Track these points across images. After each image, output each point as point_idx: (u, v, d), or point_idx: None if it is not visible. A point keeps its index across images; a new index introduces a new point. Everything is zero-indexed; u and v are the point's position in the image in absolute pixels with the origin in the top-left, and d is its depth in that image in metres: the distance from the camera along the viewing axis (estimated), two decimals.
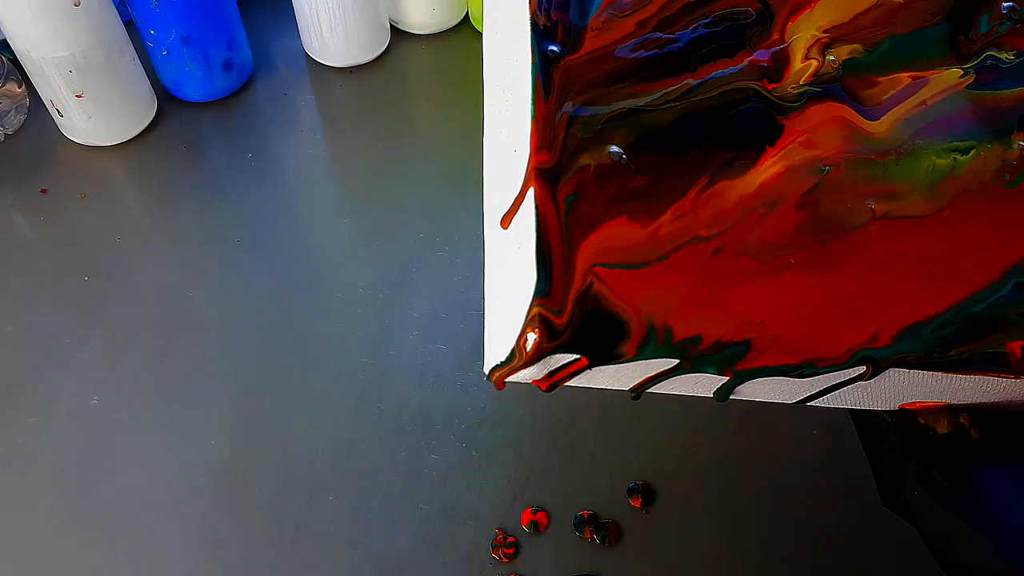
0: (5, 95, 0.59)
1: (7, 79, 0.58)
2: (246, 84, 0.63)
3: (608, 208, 0.30)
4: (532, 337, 0.28)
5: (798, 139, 0.32)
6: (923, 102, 0.32)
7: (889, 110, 0.32)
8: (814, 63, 0.33)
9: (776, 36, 0.33)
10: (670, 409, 0.47)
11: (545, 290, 0.29)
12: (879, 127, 0.32)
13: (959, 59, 0.33)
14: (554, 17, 0.31)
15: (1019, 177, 0.32)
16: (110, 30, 0.53)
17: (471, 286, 0.52)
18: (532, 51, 0.31)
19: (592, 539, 0.43)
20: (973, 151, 0.32)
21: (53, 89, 0.54)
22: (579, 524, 0.43)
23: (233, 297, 0.52)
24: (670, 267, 0.30)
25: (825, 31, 0.33)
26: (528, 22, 0.31)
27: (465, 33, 0.69)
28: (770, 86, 0.33)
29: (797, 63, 0.33)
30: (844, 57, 0.33)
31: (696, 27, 0.33)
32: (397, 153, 0.60)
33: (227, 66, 0.61)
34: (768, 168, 0.32)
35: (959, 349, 0.31)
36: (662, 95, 0.31)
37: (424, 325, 0.51)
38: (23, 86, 0.60)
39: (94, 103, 0.55)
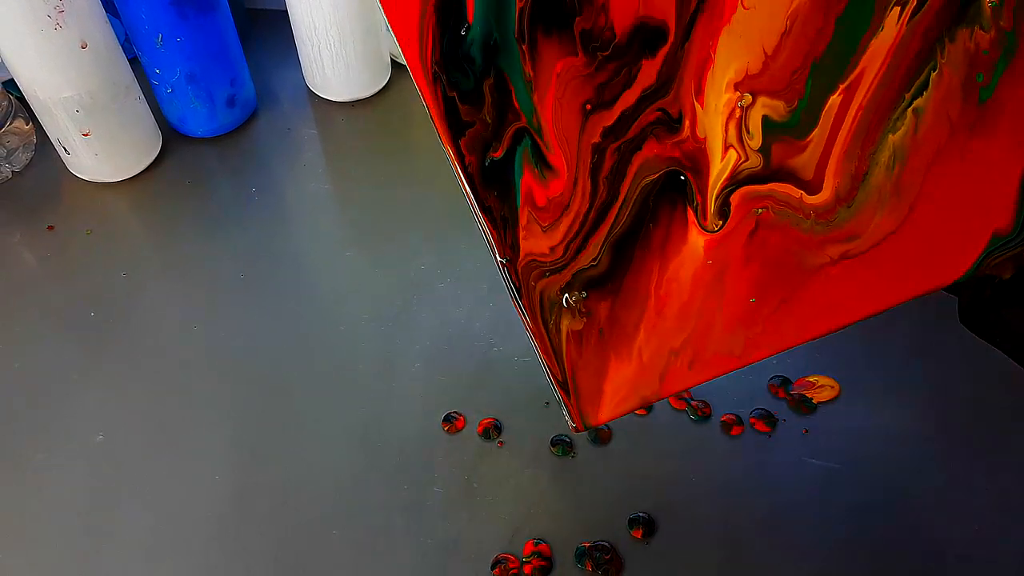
0: (12, 133, 0.60)
1: (15, 117, 0.59)
2: (249, 119, 0.64)
3: (600, 367, 0.32)
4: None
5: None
6: (859, 107, 0.28)
7: (826, 165, 0.29)
8: (733, 155, 0.29)
9: (687, 130, 0.29)
10: (670, 439, 0.48)
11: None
12: (821, 196, 0.30)
13: None
14: (501, 241, 0.31)
15: (994, 74, 0.28)
16: (116, 70, 0.54)
17: (472, 317, 0.53)
18: (507, 287, 0.32)
19: (594, 571, 0.43)
20: (934, 73, 0.28)
21: (60, 128, 0.55)
22: (580, 556, 0.43)
23: (237, 331, 0.53)
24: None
25: (737, 87, 0.28)
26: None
27: None
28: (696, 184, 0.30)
29: (716, 161, 0.29)
30: (763, 114, 0.29)
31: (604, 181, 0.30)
32: (399, 186, 0.61)
33: (231, 102, 0.62)
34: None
35: None
36: (594, 241, 0.31)
37: (426, 357, 0.51)
38: (30, 123, 0.61)
39: (100, 141, 0.56)
